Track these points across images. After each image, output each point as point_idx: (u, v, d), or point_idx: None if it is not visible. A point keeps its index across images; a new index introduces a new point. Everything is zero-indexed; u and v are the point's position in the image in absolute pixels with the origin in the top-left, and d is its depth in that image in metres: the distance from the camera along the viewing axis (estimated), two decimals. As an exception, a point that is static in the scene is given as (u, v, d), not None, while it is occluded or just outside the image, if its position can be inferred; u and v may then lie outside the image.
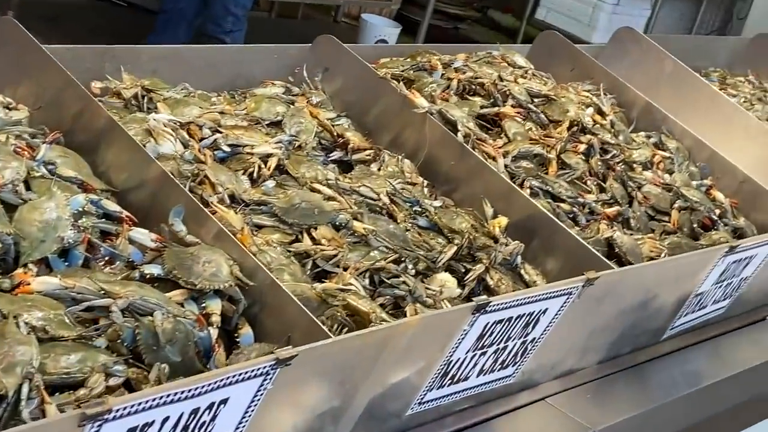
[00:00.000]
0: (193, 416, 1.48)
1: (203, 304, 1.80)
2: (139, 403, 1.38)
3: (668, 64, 3.61)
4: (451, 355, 1.93)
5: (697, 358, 2.71)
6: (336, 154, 2.53)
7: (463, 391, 2.07)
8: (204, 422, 1.51)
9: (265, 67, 2.77)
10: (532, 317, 2.06)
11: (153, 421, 1.42)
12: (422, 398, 1.97)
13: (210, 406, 1.50)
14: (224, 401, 1.51)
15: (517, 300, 1.98)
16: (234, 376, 1.50)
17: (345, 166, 2.54)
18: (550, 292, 2.05)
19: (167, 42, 4.67)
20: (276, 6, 7.58)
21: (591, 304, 2.22)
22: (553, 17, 9.00)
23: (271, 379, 1.55)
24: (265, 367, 1.53)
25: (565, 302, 2.10)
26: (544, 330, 2.12)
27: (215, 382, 1.47)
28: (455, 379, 2.01)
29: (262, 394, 1.56)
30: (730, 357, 2.79)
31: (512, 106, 2.89)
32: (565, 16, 8.81)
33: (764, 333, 2.94)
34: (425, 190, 2.51)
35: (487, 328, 1.95)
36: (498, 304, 1.93)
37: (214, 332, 1.75)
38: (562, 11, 8.94)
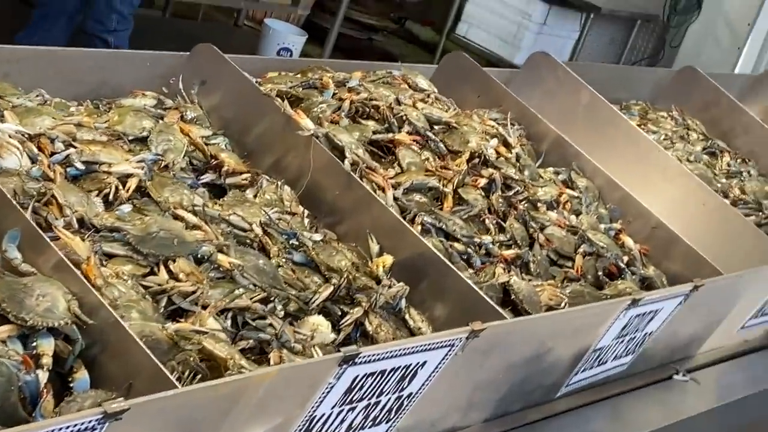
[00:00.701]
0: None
1: (34, 344, 1.71)
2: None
3: (585, 95, 3.58)
4: (314, 411, 1.86)
5: (596, 417, 2.67)
6: (208, 177, 2.42)
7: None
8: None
9: (136, 75, 2.65)
10: (409, 370, 1.99)
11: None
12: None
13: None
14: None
15: (392, 351, 1.91)
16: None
17: (218, 191, 2.43)
18: (429, 344, 1.99)
19: (41, 39, 4.56)
20: (170, 5, 7.42)
21: (476, 356, 2.17)
22: (475, 34, 9.02)
23: (99, 433, 1.47)
24: (90, 422, 1.45)
25: (446, 355, 2.04)
26: (423, 384, 2.05)
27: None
28: (320, 437, 1.94)
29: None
30: (632, 417, 2.75)
31: (408, 132, 2.82)
32: (487, 33, 8.85)
33: (670, 393, 2.91)
34: (306, 221, 2.42)
35: (356, 382, 1.88)
36: (369, 356, 1.86)
37: (43, 375, 1.65)
38: (485, 28, 8.96)
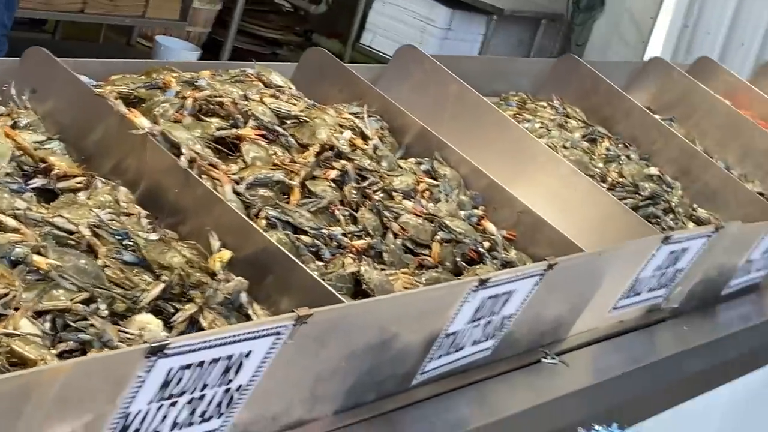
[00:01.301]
0: None
1: None
2: None
3: (453, 87, 3.57)
4: (128, 407, 1.81)
5: (459, 404, 2.62)
6: (37, 182, 2.36)
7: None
8: None
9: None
10: (233, 361, 1.94)
11: None
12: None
13: None
14: None
15: (208, 342, 1.87)
16: None
17: (52, 195, 2.37)
18: (251, 332, 1.95)
19: None
20: (60, 27, 7.28)
21: (311, 344, 2.13)
22: (379, 42, 9.03)
23: None
24: None
25: (274, 344, 1.99)
26: (253, 376, 2.00)
27: None
28: (135, 436, 1.89)
29: None
30: (497, 402, 2.71)
31: (254, 127, 2.79)
32: (392, 41, 8.82)
33: (538, 376, 2.88)
34: (144, 221, 2.38)
35: (172, 375, 1.84)
36: (182, 346, 1.82)
37: None
38: (389, 36, 8.96)
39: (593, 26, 9.41)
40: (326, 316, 2.09)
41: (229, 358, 1.94)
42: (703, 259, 3.42)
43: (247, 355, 1.97)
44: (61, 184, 2.38)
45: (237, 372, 1.98)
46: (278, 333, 1.99)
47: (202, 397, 1.95)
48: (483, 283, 2.47)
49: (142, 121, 2.54)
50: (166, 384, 1.84)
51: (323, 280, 2.42)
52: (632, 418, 3.09)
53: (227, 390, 1.99)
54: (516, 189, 3.20)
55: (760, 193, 4.36)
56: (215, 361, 1.91)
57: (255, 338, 1.96)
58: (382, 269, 2.59)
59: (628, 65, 5.05)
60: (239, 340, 1.93)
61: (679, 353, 3.34)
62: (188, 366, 1.86)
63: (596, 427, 2.15)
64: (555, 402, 2.80)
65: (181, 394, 1.90)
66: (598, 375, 3.04)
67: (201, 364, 1.88)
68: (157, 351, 1.76)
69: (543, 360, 2.93)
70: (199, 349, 1.86)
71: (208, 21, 7.76)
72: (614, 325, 3.29)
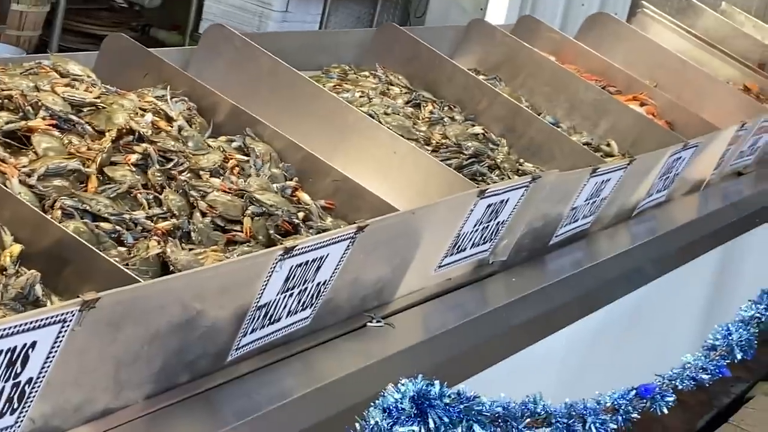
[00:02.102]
0: None
1: None
2: None
3: (266, 63, 3.53)
4: None
5: (282, 376, 2.57)
6: None
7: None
8: None
9: None
10: (17, 354, 1.87)
11: None
12: None
13: None
14: None
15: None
16: None
17: None
18: (32, 322, 1.86)
19: None
20: None
21: (105, 329, 2.07)
22: (218, 31, 8.95)
23: None
24: None
25: (60, 332, 1.92)
26: (42, 367, 1.93)
27: None
28: None
29: None
30: (322, 368, 2.66)
31: (44, 118, 2.71)
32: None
33: (364, 340, 2.85)
34: None
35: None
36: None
37: None
38: (227, 23, 8.87)
39: (428, -1, 9.49)
40: (116, 298, 2.03)
41: (13, 351, 1.87)
42: (524, 210, 3.42)
43: (33, 346, 1.90)
44: None
45: (24, 365, 1.91)
46: (63, 320, 1.92)
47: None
48: (289, 251, 2.42)
49: None
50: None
51: (126, 265, 2.36)
52: (466, 371, 3.09)
53: (16, 384, 1.92)
54: (335, 159, 3.18)
55: (587, 143, 4.42)
56: (-2, 353, 1.84)
57: (38, 327, 1.89)
58: (191, 249, 2.54)
59: (453, 30, 5.04)
60: (20, 332, 1.86)
61: (510, 303, 3.35)
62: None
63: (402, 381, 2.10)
64: (381, 363, 2.77)
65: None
66: (427, 333, 3.03)
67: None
68: None
69: (368, 324, 2.90)
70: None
71: (37, 24, 7.63)
72: (442, 284, 3.28)
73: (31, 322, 1.87)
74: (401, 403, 2.08)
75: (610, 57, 5.33)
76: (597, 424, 2.94)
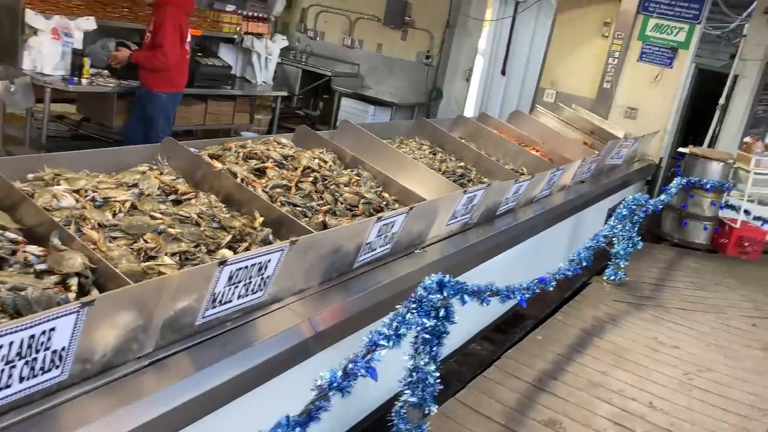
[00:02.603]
0: (31, 340, 1.31)
1: (68, 281, 1.63)
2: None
3: (367, 137, 3.54)
4: (214, 289, 1.79)
5: (376, 274, 2.58)
6: (172, 197, 2.28)
7: (230, 309, 1.88)
8: (42, 342, 1.34)
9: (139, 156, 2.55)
10: (263, 264, 1.92)
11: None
12: (204, 314, 1.82)
13: (44, 333, 1.33)
14: (53, 329, 1.35)
15: (247, 257, 1.84)
16: (56, 315, 1.33)
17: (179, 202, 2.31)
18: (269, 251, 1.93)
19: None
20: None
21: (298, 257, 2.11)
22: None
23: (81, 315, 1.38)
24: (76, 308, 1.37)
25: (281, 255, 1.97)
26: (273, 270, 1.98)
27: (39, 320, 1.31)
28: (222, 302, 1.85)
29: (79, 324, 1.39)
30: (394, 271, 2.66)
31: (273, 162, 2.74)
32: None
33: (413, 259, 2.85)
34: (223, 209, 2.33)
35: (233, 273, 1.81)
36: (236, 260, 1.80)
37: (72, 295, 1.56)
38: (349, 118, 8.91)
39: (438, 106, 9.37)
40: (302, 241, 2.07)
41: (260, 264, 1.91)
42: (484, 198, 3.41)
43: (269, 262, 1.94)
44: (182, 197, 2.33)
45: (266, 269, 1.95)
46: (281, 251, 1.97)
47: (250, 282, 1.92)
48: (379, 219, 2.46)
49: (217, 164, 2.51)
50: (230, 278, 1.82)
51: (308, 227, 2.39)
52: (461, 271, 3.09)
53: (262, 278, 1.96)
54: (399, 178, 3.17)
55: (513, 169, 4.36)
56: (253, 265, 1.88)
57: (271, 254, 1.93)
58: (336, 219, 2.57)
59: (450, 120, 4.99)
60: (262, 255, 1.91)
61: (479, 241, 3.33)
62: (240, 268, 1.83)
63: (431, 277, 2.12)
64: (422, 268, 2.77)
65: (240, 281, 1.87)
66: (441, 254, 3.01)
67: (246, 267, 1.85)
68: (222, 264, 1.74)
69: (415, 251, 2.91)
70: (246, 260, 1.83)
71: (264, 123, 7.67)
72: (449, 232, 3.26)
73: (266, 252, 1.91)
74: (431, 285, 2.10)
75: (522, 130, 5.27)
76: (519, 294, 2.94)
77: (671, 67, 7.01)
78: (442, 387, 2.25)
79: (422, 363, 2.14)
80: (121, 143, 5.12)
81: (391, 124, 4.60)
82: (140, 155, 2.56)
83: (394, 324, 1.90)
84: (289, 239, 2.00)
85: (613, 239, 4.93)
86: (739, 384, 3.56)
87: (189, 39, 4.91)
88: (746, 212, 6.62)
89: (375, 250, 2.59)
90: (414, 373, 2.18)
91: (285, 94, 7.01)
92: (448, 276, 2.16)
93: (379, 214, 2.55)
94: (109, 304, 1.46)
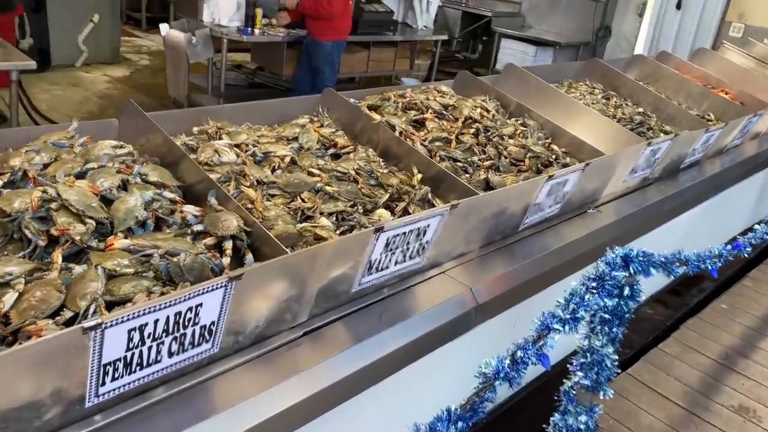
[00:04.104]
0: (178, 317, 1.17)
1: (223, 244, 1.49)
2: (131, 314, 1.07)
3: (532, 80, 3.10)
4: (370, 256, 1.57)
5: (544, 237, 2.25)
6: (331, 150, 2.12)
7: (386, 275, 1.66)
8: (189, 318, 1.19)
9: (301, 107, 2.38)
10: (421, 230, 1.67)
11: (146, 323, 1.11)
12: (360, 282, 1.62)
13: (190, 309, 1.18)
14: (200, 305, 1.20)
15: (405, 222, 1.60)
16: (204, 289, 1.18)
17: (337, 157, 2.12)
18: (428, 216, 1.66)
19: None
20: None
21: (460, 218, 1.83)
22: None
23: (229, 290, 1.22)
24: (223, 283, 1.21)
25: (440, 220, 1.71)
26: (432, 236, 1.73)
27: (189, 295, 1.16)
28: (379, 268, 1.63)
29: (227, 299, 1.23)
30: (565, 233, 2.31)
31: (432, 112, 2.45)
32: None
33: (585, 219, 2.46)
34: (381, 164, 2.12)
35: (389, 239, 1.59)
36: (392, 227, 1.56)
37: (226, 260, 1.42)
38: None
39: (606, 45, 8.42)
40: (466, 203, 1.79)
41: (419, 229, 1.66)
42: (669, 151, 2.88)
43: (428, 226, 1.69)
44: (341, 150, 2.13)
45: (424, 235, 1.70)
46: (442, 214, 1.70)
47: (408, 248, 1.69)
48: (551, 177, 2.09)
49: (376, 116, 2.27)
50: (387, 244, 1.59)
51: (469, 185, 2.10)
52: (641, 232, 2.65)
53: (420, 243, 1.71)
54: (569, 127, 2.75)
55: (699, 116, 3.70)
56: (410, 231, 1.64)
57: (431, 218, 1.68)
58: (500, 175, 2.25)
59: (624, 59, 4.34)
60: (422, 220, 1.65)
61: (657, 201, 2.83)
62: (397, 235, 1.60)
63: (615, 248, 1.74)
64: (596, 231, 2.39)
65: (397, 248, 1.64)
66: (618, 215, 2.58)
67: (404, 233, 1.62)
68: (379, 230, 1.51)
69: (588, 211, 2.51)
70: (401, 226, 1.59)
71: (423, 68, 7.33)
72: (625, 189, 2.80)
73: (425, 217, 1.66)
74: (615, 260, 1.72)
75: (708, 69, 4.47)
76: (710, 263, 2.44)
77: None
78: (619, 371, 1.89)
79: (598, 344, 1.79)
80: (292, 91, 5.09)
81: (559, 66, 4.06)
82: (301, 106, 2.38)
83: (571, 306, 1.57)
84: (449, 202, 1.72)
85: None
86: None
87: (352, -15, 4.68)
88: None
89: (543, 210, 2.24)
90: (588, 354, 1.84)
91: (445, 37, 6.61)
92: (635, 249, 1.76)
93: (549, 173, 2.18)
94: (260, 277, 1.29)
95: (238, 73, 6.19)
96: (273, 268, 1.31)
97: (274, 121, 2.28)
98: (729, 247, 2.62)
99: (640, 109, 3.44)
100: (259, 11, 4.86)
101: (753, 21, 7.07)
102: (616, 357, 1.85)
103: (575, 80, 3.80)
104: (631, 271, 1.71)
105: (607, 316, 1.74)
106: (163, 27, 4.60)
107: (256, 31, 4.81)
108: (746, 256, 2.71)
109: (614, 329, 1.77)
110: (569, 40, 8.36)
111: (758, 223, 3.05)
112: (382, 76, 6.49)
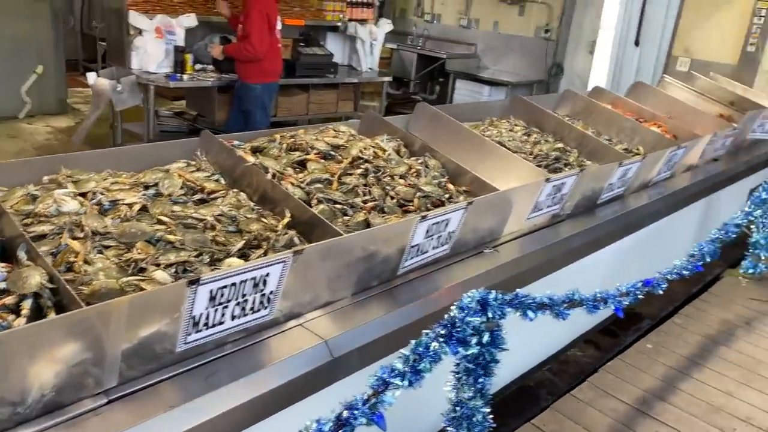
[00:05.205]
0: None
1: (21, 303, 1.36)
2: None
3: (444, 120, 3.05)
4: (192, 312, 1.44)
5: (431, 280, 2.13)
6: (198, 196, 2.00)
7: (221, 331, 1.53)
8: None
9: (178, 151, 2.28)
10: (259, 279, 1.56)
11: None
12: (186, 340, 1.48)
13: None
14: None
15: (230, 273, 1.48)
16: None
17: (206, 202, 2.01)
18: (265, 264, 1.55)
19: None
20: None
21: (315, 263, 1.72)
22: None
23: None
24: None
25: (283, 267, 1.59)
26: (277, 285, 1.61)
27: None
28: (210, 324, 1.51)
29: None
30: (457, 276, 2.19)
31: (317, 153, 2.36)
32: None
33: (481, 259, 2.35)
34: (252, 208, 2.01)
35: (215, 292, 1.46)
36: (211, 278, 1.44)
37: (20, 320, 1.30)
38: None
39: (559, 83, 8.51)
40: (317, 249, 1.68)
41: (254, 278, 1.55)
42: (577, 186, 2.81)
43: (267, 275, 1.57)
44: (209, 195, 2.02)
45: (265, 284, 1.58)
46: (284, 262, 1.59)
47: (245, 300, 1.57)
48: (424, 218, 1.99)
49: (249, 158, 2.18)
50: (213, 297, 1.47)
51: (347, 227, 2.00)
52: (545, 272, 2.55)
53: (262, 294, 1.60)
54: (478, 166, 2.68)
55: (626, 149, 3.67)
56: (244, 282, 1.53)
57: (271, 265, 1.57)
58: (383, 216, 2.15)
59: (556, 96, 4.33)
60: (259, 267, 1.54)
61: (566, 238, 2.73)
62: (225, 286, 1.48)
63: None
64: (490, 270, 2.28)
65: (228, 301, 1.52)
66: (520, 253, 2.48)
67: (234, 284, 1.50)
68: (194, 283, 1.40)
69: (484, 251, 2.41)
70: (226, 277, 1.48)
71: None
72: (531, 227, 2.71)
73: (264, 264, 1.54)
74: (470, 304, 1.62)
75: (644, 104, 4.47)
76: (614, 302, 2.34)
77: (833, 21, 5.72)
78: (494, 426, 1.75)
79: (466, 397, 1.67)
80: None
81: (484, 105, 4.03)
82: (180, 150, 2.29)
83: (412, 357, 1.45)
84: (293, 249, 1.61)
85: (752, 226, 4.03)
86: None
87: (279, 27, 4.67)
88: None
89: (426, 252, 2.13)
90: (458, 408, 1.71)
91: (389, 79, 6.61)
92: (494, 291, 1.65)
93: (423, 213, 2.08)
94: (51, 332, 1.17)
95: (180, 120, 6.14)
96: (65, 323, 1.19)
97: (145, 167, 2.18)
98: (639, 283, 2.54)
99: (560, 145, 3.39)
100: (188, 57, 4.83)
101: (699, 55, 7.19)
102: (488, 410, 1.73)
103: (500, 118, 3.76)
104: (490, 315, 1.60)
105: (470, 365, 1.63)
106: (91, 75, 4.54)
107: (185, 77, 4.76)
108: (660, 292, 2.62)
109: (480, 380, 1.65)
110: (522, 79, 8.44)
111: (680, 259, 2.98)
112: (329, 119, 6.46)
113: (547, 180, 2.55)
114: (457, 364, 1.68)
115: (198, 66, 5.02)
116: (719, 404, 2.63)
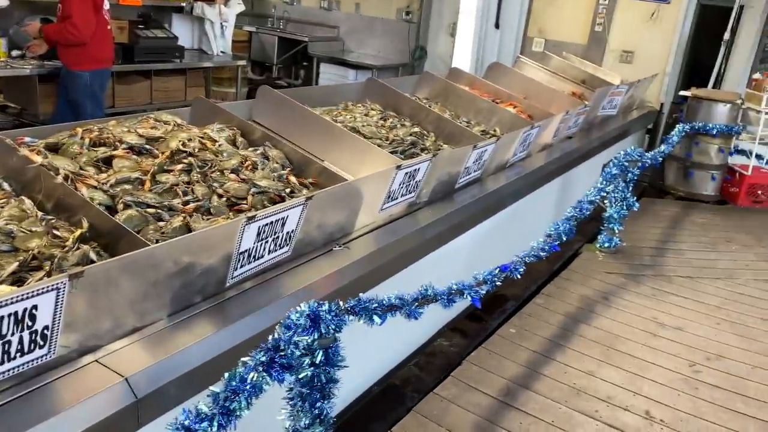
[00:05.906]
0: None
1: None
2: None
3: (291, 105, 2.79)
4: None
5: (270, 288, 1.89)
6: None
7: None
8: None
9: None
10: (23, 314, 1.22)
11: None
12: None
13: None
14: None
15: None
16: None
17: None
18: (23, 295, 1.22)
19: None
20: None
21: (103, 287, 1.41)
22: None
23: None
24: None
25: (56, 296, 1.26)
26: (54, 319, 1.27)
27: None
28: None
29: None
30: (298, 280, 1.97)
31: (124, 149, 2.01)
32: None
33: (330, 258, 2.14)
34: (40, 218, 1.65)
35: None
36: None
37: None
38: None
39: (423, 65, 8.51)
40: (99, 269, 1.37)
41: (25, 309, 1.22)
42: (432, 171, 2.68)
43: (35, 306, 1.24)
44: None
45: (33, 319, 1.25)
46: (57, 289, 1.27)
47: (7, 342, 1.23)
48: (250, 219, 1.73)
49: (35, 158, 1.79)
50: None
51: (162, 234, 1.70)
52: (400, 266, 2.39)
53: (34, 332, 1.27)
54: (329, 154, 2.48)
55: (483, 131, 3.63)
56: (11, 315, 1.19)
57: (42, 294, 1.24)
58: (208, 219, 1.86)
59: (414, 78, 4.21)
60: (31, 297, 1.21)
61: (423, 227, 2.59)
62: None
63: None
64: (340, 270, 2.07)
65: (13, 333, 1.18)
66: (373, 247, 2.29)
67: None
68: None
69: (334, 249, 2.20)
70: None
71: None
72: (386, 218, 2.54)
73: (24, 295, 1.21)
74: (298, 320, 1.39)
75: (500, 84, 4.48)
76: (471, 293, 2.22)
77: (668, 2, 6.09)
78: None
79: (303, 425, 1.44)
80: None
81: (339, 87, 3.82)
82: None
83: (223, 395, 1.19)
84: (70, 271, 1.30)
85: (605, 201, 4.16)
86: (758, 374, 2.82)
87: (107, 7, 4.15)
88: (758, 157, 5.78)
89: (262, 258, 1.88)
90: (296, 437, 1.48)
91: (243, 63, 6.21)
92: (327, 302, 1.44)
93: (251, 213, 1.81)
94: None
95: (4, 116, 5.39)
96: None
97: None
98: (496, 269, 2.44)
99: (416, 129, 3.26)
100: (1, 41, 4.18)
101: (552, 35, 7.44)
102: (331, 436, 1.51)
103: (355, 101, 3.56)
104: (323, 330, 1.38)
105: (305, 390, 1.40)
106: None
107: (-6, 63, 4.12)
108: (518, 277, 2.55)
109: (317, 404, 1.43)
110: (386, 63, 8.34)
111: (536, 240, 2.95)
112: (180, 107, 5.96)
113: (399, 167, 2.38)
114: (290, 389, 1.45)
115: (15, 53, 4.37)
116: (581, 386, 2.62)
